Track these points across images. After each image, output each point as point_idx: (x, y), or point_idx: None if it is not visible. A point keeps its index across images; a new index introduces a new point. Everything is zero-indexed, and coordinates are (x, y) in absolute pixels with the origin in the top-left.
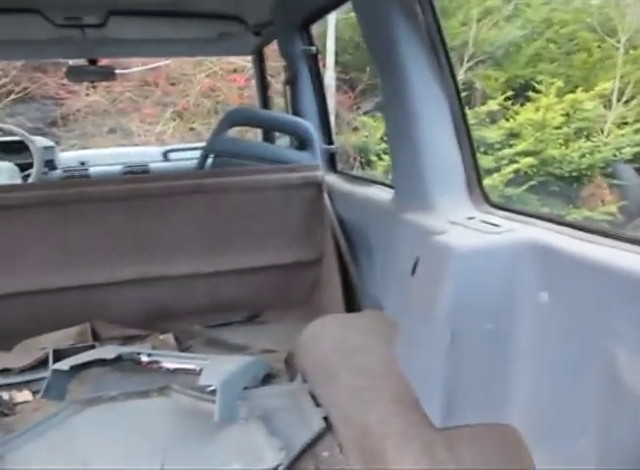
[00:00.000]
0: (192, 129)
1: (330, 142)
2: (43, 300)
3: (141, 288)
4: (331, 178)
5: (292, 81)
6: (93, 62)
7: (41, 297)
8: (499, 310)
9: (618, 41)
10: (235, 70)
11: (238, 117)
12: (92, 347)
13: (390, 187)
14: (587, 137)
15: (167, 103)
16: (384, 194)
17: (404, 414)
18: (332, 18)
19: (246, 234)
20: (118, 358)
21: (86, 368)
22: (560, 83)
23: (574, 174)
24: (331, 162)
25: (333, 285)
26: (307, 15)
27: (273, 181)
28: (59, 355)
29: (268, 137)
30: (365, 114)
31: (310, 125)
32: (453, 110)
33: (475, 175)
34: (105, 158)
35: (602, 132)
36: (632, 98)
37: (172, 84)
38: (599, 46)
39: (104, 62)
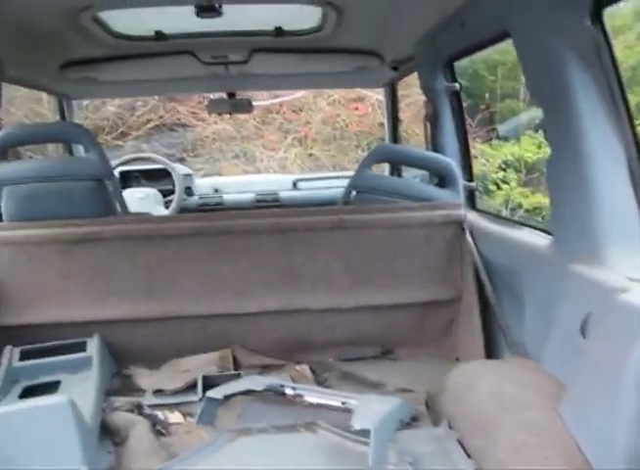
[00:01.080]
0: (311, 155)
1: (470, 179)
2: (188, 325)
3: (280, 318)
4: (472, 216)
5: (432, 117)
6: (232, 95)
7: (186, 322)
8: None
9: None
10: (355, 99)
11: (384, 154)
12: (238, 375)
13: (543, 231)
14: None
15: (289, 130)
16: (536, 238)
17: None
18: None
19: (386, 271)
20: (265, 389)
21: (234, 396)
22: None
23: None
24: (471, 199)
25: (471, 326)
26: (452, 52)
27: (416, 219)
28: (208, 382)
29: (395, 171)
30: (484, 142)
31: (452, 162)
32: (629, 156)
33: None
34: (237, 185)
35: None
36: None
37: (294, 112)
38: None
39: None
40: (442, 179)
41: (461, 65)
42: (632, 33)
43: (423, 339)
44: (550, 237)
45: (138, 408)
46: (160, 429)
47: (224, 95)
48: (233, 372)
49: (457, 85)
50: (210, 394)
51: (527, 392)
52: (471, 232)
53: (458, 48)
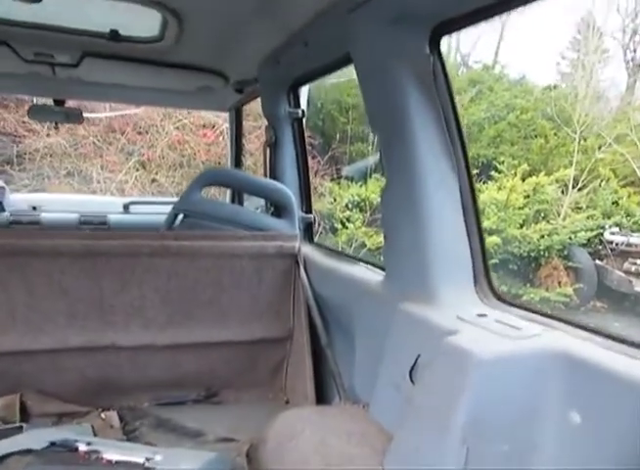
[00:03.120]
0: (154, 181)
1: (308, 210)
2: None
3: (84, 356)
4: (308, 249)
5: (272, 144)
6: (60, 102)
7: None
8: (519, 430)
9: (574, 131)
10: (204, 126)
11: (214, 177)
12: (19, 428)
13: (378, 267)
14: (545, 219)
15: (132, 152)
16: (370, 274)
17: None
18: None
19: (210, 304)
20: (52, 445)
21: (8, 457)
22: (525, 166)
23: (533, 255)
24: (308, 231)
25: (301, 367)
26: (296, 77)
27: (247, 249)
28: None
29: (238, 199)
30: (332, 180)
31: (289, 191)
32: (463, 191)
33: (482, 266)
34: (59, 204)
35: (558, 215)
36: (584, 186)
37: (139, 133)
38: (555, 134)
39: (71, 103)
40: (279, 209)
41: (313, 104)
42: (467, 96)
43: (251, 380)
44: (384, 273)
45: None
46: None
47: (51, 101)
48: (10, 426)
49: (300, 111)
50: None
51: (353, 445)
52: (305, 266)
53: (302, 70)
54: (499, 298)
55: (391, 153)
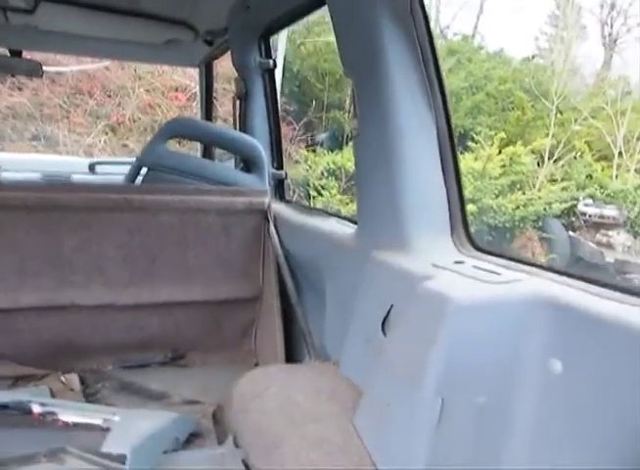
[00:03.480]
0: (125, 146)
1: (279, 167)
2: None
3: (42, 317)
4: (278, 207)
5: (243, 96)
6: (16, 53)
7: None
8: (498, 380)
9: (552, 103)
10: (176, 89)
11: (179, 128)
12: None
13: (351, 221)
14: (521, 190)
15: (101, 115)
16: (342, 228)
17: None
18: (282, 47)
19: (175, 262)
20: (3, 407)
21: None
22: (503, 135)
23: (507, 225)
24: (279, 188)
25: (271, 328)
26: (267, 24)
27: (214, 204)
28: None
29: (208, 154)
30: (307, 147)
31: (260, 145)
32: (441, 138)
33: (460, 214)
34: (21, 163)
35: (534, 187)
36: (560, 158)
37: (108, 96)
38: (532, 106)
39: (30, 56)
40: (249, 164)
41: (289, 69)
42: (445, 66)
43: (219, 342)
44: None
45: None
46: None
47: (6, 52)
48: None
49: (272, 62)
50: None
51: (320, 401)
52: (275, 223)
53: (273, 16)
54: (477, 247)
55: (366, 96)
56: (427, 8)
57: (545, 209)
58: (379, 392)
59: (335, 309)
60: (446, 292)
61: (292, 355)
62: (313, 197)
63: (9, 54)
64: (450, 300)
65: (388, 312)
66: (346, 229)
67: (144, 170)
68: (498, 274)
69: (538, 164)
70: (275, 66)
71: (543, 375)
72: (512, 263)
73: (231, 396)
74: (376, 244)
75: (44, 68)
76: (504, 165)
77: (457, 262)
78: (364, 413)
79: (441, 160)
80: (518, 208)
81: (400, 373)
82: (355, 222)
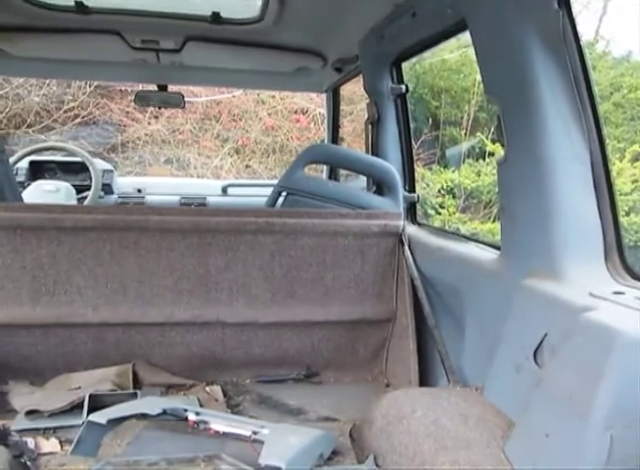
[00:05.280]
0: (248, 167)
1: (412, 190)
2: (83, 333)
3: (191, 332)
4: (412, 229)
5: (375, 120)
6: (163, 88)
7: (81, 330)
8: None
9: None
10: (297, 111)
11: (318, 154)
12: (134, 395)
13: (490, 246)
14: None
15: (227, 138)
16: (482, 252)
17: None
18: None
19: (313, 283)
20: (162, 413)
21: (124, 421)
22: (636, 148)
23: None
24: (412, 211)
25: (406, 349)
26: (400, 51)
27: (350, 227)
28: (96, 402)
29: (334, 177)
30: (425, 165)
31: (394, 169)
32: (595, 163)
33: (615, 241)
34: (162, 187)
35: None
36: None
37: (234, 120)
38: None
39: (173, 89)
40: (382, 187)
41: (410, 87)
42: None
43: (351, 362)
44: (498, 252)
45: (1, 434)
46: (25, 460)
47: (155, 87)
48: (127, 391)
49: (404, 87)
50: (92, 417)
51: (469, 427)
52: (409, 246)
53: (407, 43)
54: (635, 275)
55: (513, 122)
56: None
57: None
58: (535, 422)
59: (476, 335)
60: (613, 324)
61: (425, 379)
62: (431, 215)
63: (157, 88)
64: (618, 333)
65: (542, 342)
66: (488, 254)
67: (283, 195)
68: None
69: None
70: (407, 90)
71: None
72: None
73: (372, 416)
74: (524, 271)
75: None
76: (636, 180)
77: (617, 293)
78: (518, 442)
79: (595, 185)
80: None
81: (563, 405)
82: (494, 247)
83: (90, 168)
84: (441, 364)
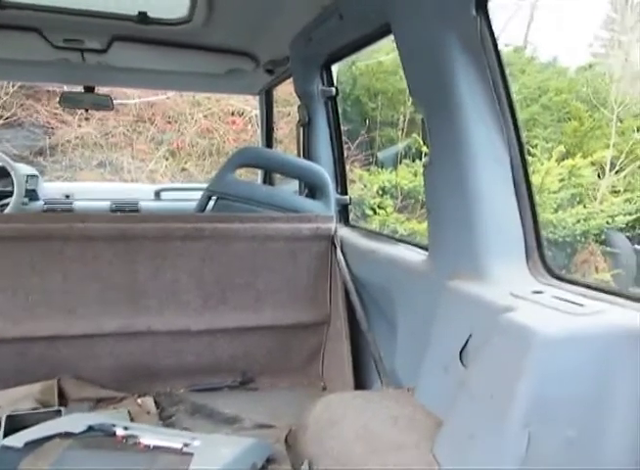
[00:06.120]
0: (184, 170)
1: (344, 192)
2: (3, 349)
3: (120, 342)
4: (344, 232)
5: (306, 123)
6: (90, 89)
7: (1, 346)
8: (588, 413)
9: (611, 112)
10: (233, 113)
11: (248, 157)
12: (57, 412)
13: (420, 247)
14: (581, 203)
15: (161, 141)
16: (412, 254)
17: None
18: (334, 69)
19: (245, 289)
20: (88, 430)
21: (46, 440)
22: (562, 148)
23: (568, 240)
24: (344, 213)
25: (340, 352)
26: (329, 54)
27: (281, 231)
28: (15, 422)
29: (269, 180)
30: (361, 167)
31: (325, 172)
32: (515, 166)
33: (535, 241)
34: (92, 192)
35: (595, 199)
36: (622, 169)
37: (168, 122)
38: (590, 116)
39: (101, 91)
40: (314, 190)
41: (342, 90)
42: None
43: (287, 367)
44: (427, 253)
45: None
46: None
47: (81, 89)
48: (50, 409)
49: (334, 90)
50: (8, 441)
51: (399, 430)
52: (342, 248)
53: (336, 46)
54: (554, 275)
55: (436, 126)
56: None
57: (608, 222)
58: (461, 422)
59: (407, 336)
60: (530, 324)
61: (360, 381)
62: (368, 216)
63: (83, 90)
64: (535, 332)
65: (467, 342)
66: (416, 256)
67: (213, 199)
68: (580, 305)
69: (599, 176)
70: (337, 93)
71: (633, 409)
72: (592, 292)
73: (306, 421)
74: (450, 272)
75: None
76: (563, 179)
77: (536, 292)
78: (445, 444)
79: (515, 187)
80: (578, 222)
81: (485, 405)
82: (423, 248)
83: (11, 173)
84: (374, 366)
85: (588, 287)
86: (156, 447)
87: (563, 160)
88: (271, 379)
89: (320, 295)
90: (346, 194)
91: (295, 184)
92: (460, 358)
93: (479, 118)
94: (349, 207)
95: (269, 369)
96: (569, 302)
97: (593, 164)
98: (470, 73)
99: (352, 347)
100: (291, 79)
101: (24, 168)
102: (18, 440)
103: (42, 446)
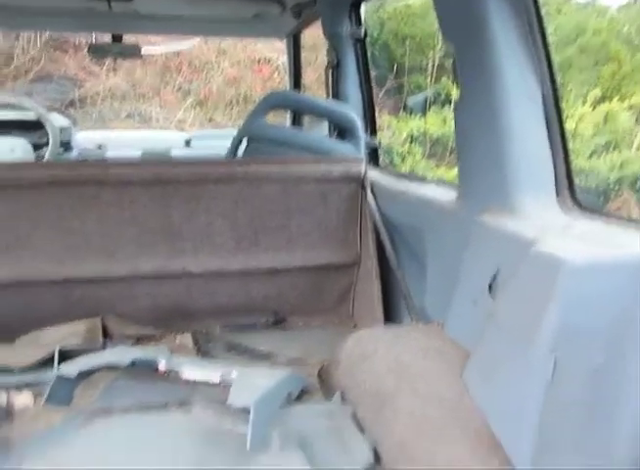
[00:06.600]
0: (212, 120)
1: (373, 134)
2: (48, 291)
3: (157, 283)
4: (374, 174)
5: (335, 65)
6: (117, 38)
7: (46, 287)
8: (614, 342)
9: None
10: (259, 61)
11: (279, 100)
12: (103, 348)
13: (450, 186)
14: (616, 150)
15: (189, 90)
16: (442, 192)
17: (483, 456)
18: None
19: (277, 230)
20: (132, 364)
21: (95, 372)
22: (597, 92)
23: (601, 188)
24: (374, 156)
25: (371, 292)
26: None
27: (312, 174)
28: (65, 356)
29: (297, 123)
30: (390, 113)
31: (354, 114)
32: (547, 104)
33: (565, 176)
34: (124, 141)
35: (631, 146)
36: None
37: (195, 71)
38: (631, 58)
39: (129, 40)
40: (343, 132)
41: (370, 34)
42: None
43: (318, 306)
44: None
45: None
46: None
47: (108, 40)
48: (96, 344)
49: (363, 31)
50: (62, 371)
51: (429, 360)
52: (372, 190)
53: None
54: (585, 209)
55: (467, 63)
56: None
57: None
58: (489, 350)
59: (436, 273)
60: (558, 253)
61: (390, 319)
62: (396, 164)
63: (111, 40)
64: (563, 261)
65: (496, 275)
66: (446, 194)
67: (244, 143)
68: (611, 237)
69: (636, 121)
70: (366, 34)
71: None
72: (623, 226)
73: (338, 357)
74: (480, 208)
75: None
76: (597, 124)
77: (565, 226)
78: (474, 371)
79: (547, 123)
80: (613, 169)
81: (512, 333)
82: (455, 187)
83: (46, 125)
84: (405, 304)
85: (619, 221)
86: (197, 381)
87: (598, 104)
88: (303, 318)
89: (350, 236)
90: (376, 136)
91: (322, 129)
92: (489, 291)
93: (511, 55)
94: (379, 150)
95: (301, 309)
96: (598, 234)
97: (631, 108)
98: (503, 10)
99: (382, 286)
100: (316, 23)
101: (59, 120)
102: (71, 370)
103: (90, 377)
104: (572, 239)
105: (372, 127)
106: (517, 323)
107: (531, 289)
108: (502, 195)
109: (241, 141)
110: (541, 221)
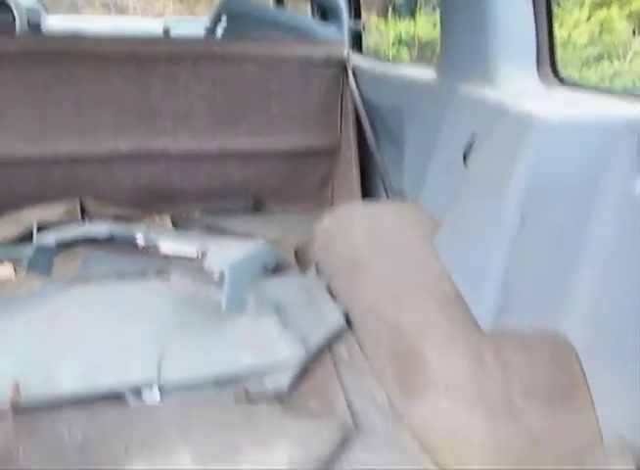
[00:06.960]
0: (193, 14)
1: (357, 17)
2: (26, 169)
3: (135, 164)
4: (357, 58)
5: None
6: None
7: (24, 167)
8: (579, 199)
9: None
10: None
11: None
12: (82, 225)
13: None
14: (608, 60)
15: None
16: (424, 71)
17: (447, 313)
18: None
19: (257, 113)
20: (111, 238)
21: (74, 246)
22: None
23: None
24: (357, 40)
25: (350, 177)
26: None
27: (293, 55)
28: (44, 229)
29: (280, 3)
30: (378, 15)
31: None
32: None
33: (547, 50)
34: (98, 28)
35: (624, 58)
36: None
37: None
38: None
39: None
40: (326, 14)
41: None
42: None
43: (298, 192)
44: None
45: None
46: None
47: None
48: (75, 222)
49: None
50: (40, 239)
51: (401, 230)
52: (354, 74)
53: None
54: (564, 82)
55: None
56: None
57: (634, 82)
58: (459, 214)
59: (414, 153)
60: (533, 112)
61: (369, 200)
62: None
63: None
64: (537, 118)
65: (471, 144)
66: (427, 73)
67: (224, 22)
68: (586, 102)
69: (634, 33)
70: None
71: (623, 199)
72: (602, 94)
73: (314, 233)
74: (460, 80)
75: None
76: (592, 32)
77: (544, 93)
78: (444, 236)
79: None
80: (603, 80)
81: (482, 192)
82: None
83: (12, 6)
84: (383, 187)
85: (597, 91)
86: (175, 256)
87: (595, 10)
88: (282, 204)
89: (331, 121)
90: (360, 19)
91: (307, 9)
92: (464, 161)
93: None
94: (363, 34)
95: (280, 194)
96: (574, 100)
97: (630, 15)
98: None
99: (361, 171)
100: None
101: (24, 1)
102: (49, 239)
103: (70, 249)
104: (549, 101)
105: (356, 10)
106: (487, 181)
107: (503, 147)
108: (482, 66)
109: (220, 18)
110: (520, 90)
